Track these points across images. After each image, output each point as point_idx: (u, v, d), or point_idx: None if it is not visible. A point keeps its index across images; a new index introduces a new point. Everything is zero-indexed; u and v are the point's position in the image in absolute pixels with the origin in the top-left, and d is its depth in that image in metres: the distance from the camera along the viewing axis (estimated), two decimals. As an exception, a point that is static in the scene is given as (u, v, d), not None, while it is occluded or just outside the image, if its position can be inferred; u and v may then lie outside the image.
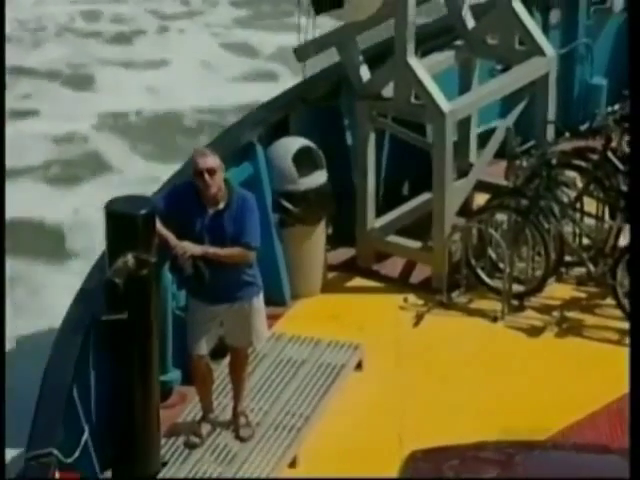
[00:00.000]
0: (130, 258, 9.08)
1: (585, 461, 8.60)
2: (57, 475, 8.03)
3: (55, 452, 8.16)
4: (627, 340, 10.68)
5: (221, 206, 9.34)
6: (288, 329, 10.82)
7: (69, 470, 8.21)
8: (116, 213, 9.26)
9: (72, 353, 9.09)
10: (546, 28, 12.46)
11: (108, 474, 9.27)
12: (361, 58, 11.39)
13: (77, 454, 8.45)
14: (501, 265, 11.21)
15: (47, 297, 14.83)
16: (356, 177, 11.44)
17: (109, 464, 9.25)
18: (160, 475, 9.45)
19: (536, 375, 10.44)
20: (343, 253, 11.63)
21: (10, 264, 14.25)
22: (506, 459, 8.49)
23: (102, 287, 9.24)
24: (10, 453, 10.85)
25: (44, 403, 8.78)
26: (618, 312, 10.92)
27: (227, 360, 9.91)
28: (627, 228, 11.05)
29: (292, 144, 11.09)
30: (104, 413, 9.21)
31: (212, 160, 9.24)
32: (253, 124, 11.19)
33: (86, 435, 8.69)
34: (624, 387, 9.99)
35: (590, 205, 11.35)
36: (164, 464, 9.53)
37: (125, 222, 9.22)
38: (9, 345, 12.77)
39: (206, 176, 9.18)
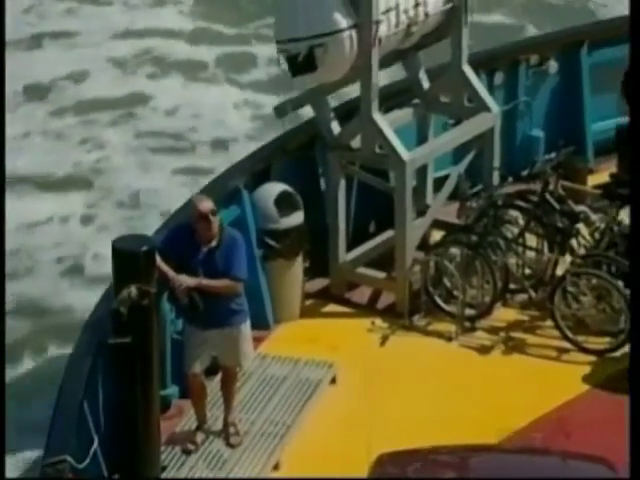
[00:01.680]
0: (133, 289, 8.99)
1: (529, 462, 8.57)
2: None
3: (68, 459, 8.10)
4: (564, 357, 10.74)
5: (214, 244, 9.38)
6: (271, 350, 10.80)
7: (80, 475, 8.10)
8: (121, 250, 9.20)
9: (83, 372, 9.06)
10: (491, 88, 12.45)
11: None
12: (332, 114, 11.36)
13: (87, 461, 8.35)
14: (455, 292, 11.18)
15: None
16: (329, 217, 11.40)
17: (115, 469, 9.09)
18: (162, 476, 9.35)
19: (486, 387, 10.39)
20: (318, 283, 11.58)
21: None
22: (461, 461, 8.51)
23: (109, 315, 9.15)
24: (27, 460, 10.81)
25: (58, 416, 8.73)
26: (556, 332, 10.90)
27: (219, 377, 9.88)
28: (562, 259, 11.05)
29: (273, 189, 11.06)
30: (111, 424, 9.09)
31: (211, 204, 9.34)
32: (239, 172, 11.17)
33: (95, 444, 8.59)
34: (561, 397, 10.22)
35: (531, 240, 11.31)
36: (164, 468, 9.49)
37: (129, 258, 9.14)
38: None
39: (210, 217, 9.25)
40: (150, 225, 13.38)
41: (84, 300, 13.01)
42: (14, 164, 16.65)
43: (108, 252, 9.13)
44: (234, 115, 18.73)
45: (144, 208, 16.08)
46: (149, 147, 17.77)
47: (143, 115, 18.79)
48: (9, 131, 16.62)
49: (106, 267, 11.04)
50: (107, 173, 17.19)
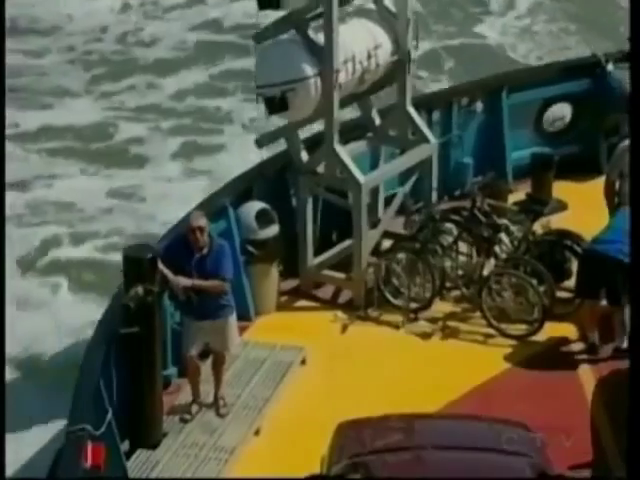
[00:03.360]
0: (139, 288, 9.09)
1: (462, 426, 8.60)
2: (89, 444, 7.85)
3: (88, 427, 8.07)
4: (489, 341, 10.73)
5: (205, 251, 9.38)
6: (252, 337, 10.76)
7: (97, 440, 8.06)
8: (130, 257, 9.33)
9: (99, 356, 9.04)
10: (430, 124, 12.44)
11: (125, 443, 9.17)
12: (301, 145, 11.34)
13: (103, 429, 8.33)
14: (401, 289, 11.18)
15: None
16: (299, 229, 11.37)
17: (125, 436, 9.15)
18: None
19: (427, 367, 10.39)
20: (291, 283, 11.53)
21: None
22: (407, 426, 8.50)
23: (120, 310, 9.21)
24: (53, 430, 10.73)
25: (79, 393, 8.69)
26: (483, 321, 10.88)
27: (210, 360, 9.84)
28: (488, 262, 11.06)
29: (254, 206, 11.04)
30: (122, 399, 9.10)
31: (202, 220, 9.37)
32: (226, 192, 11.12)
33: (109, 415, 8.57)
34: (488, 374, 10.23)
35: (463, 247, 11.31)
36: (165, 435, 9.46)
37: (136, 263, 9.23)
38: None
39: (198, 232, 9.28)
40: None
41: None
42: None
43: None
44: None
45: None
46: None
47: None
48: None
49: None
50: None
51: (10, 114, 17.31)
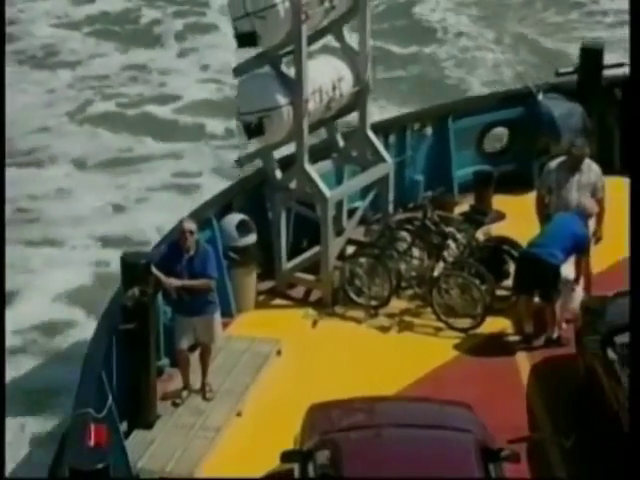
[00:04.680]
0: (136, 290, 9.06)
1: (415, 407, 8.63)
2: (92, 425, 7.78)
3: (91, 411, 8.02)
4: (439, 333, 10.66)
5: (192, 252, 9.37)
6: (234, 331, 10.68)
7: (99, 422, 7.99)
8: (127, 262, 9.30)
9: (101, 349, 8.99)
10: (387, 146, 12.37)
11: (124, 425, 9.11)
12: (275, 165, 11.27)
13: (104, 412, 8.26)
14: (363, 289, 11.12)
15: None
16: (274, 237, 11.29)
17: (124, 418, 9.10)
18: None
19: (386, 355, 10.35)
20: (267, 284, 11.45)
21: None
22: (369, 407, 8.52)
23: (119, 308, 9.16)
24: (62, 416, 10.65)
25: (83, 381, 8.64)
26: (434, 316, 10.84)
27: (198, 352, 9.79)
28: (437, 265, 11.01)
29: (235, 218, 10.97)
30: (121, 386, 9.06)
31: (193, 225, 9.43)
32: (210, 206, 11.05)
33: (110, 400, 8.49)
34: (438, 362, 10.20)
35: (416, 252, 11.27)
36: (158, 417, 9.41)
37: (132, 267, 9.20)
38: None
39: (187, 235, 9.31)
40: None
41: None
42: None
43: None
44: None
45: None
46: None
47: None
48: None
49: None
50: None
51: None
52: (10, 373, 11.39)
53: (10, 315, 12.23)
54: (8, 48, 19.42)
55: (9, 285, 11.88)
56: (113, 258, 11.97)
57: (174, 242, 9.52)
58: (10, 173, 14.49)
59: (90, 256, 13.65)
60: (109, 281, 11.66)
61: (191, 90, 18.65)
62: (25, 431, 11.21)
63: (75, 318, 12.67)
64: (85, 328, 11.80)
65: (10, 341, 11.81)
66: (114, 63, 19.86)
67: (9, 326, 11.75)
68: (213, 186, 14.03)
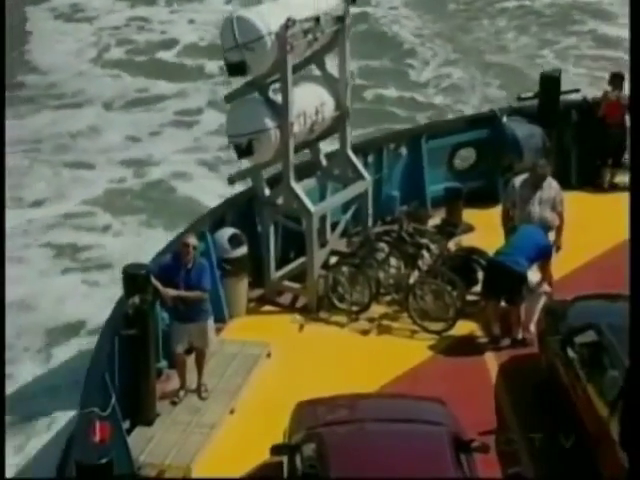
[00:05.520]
0: (136, 298, 9.03)
1: (392, 403, 8.65)
2: (97, 423, 7.73)
3: (95, 410, 7.99)
4: (415, 336, 10.65)
5: (189, 266, 9.34)
6: (227, 336, 10.64)
7: (104, 420, 7.94)
8: (128, 273, 9.24)
9: (105, 352, 8.94)
10: (366, 165, 12.36)
11: (127, 422, 9.07)
12: (264, 182, 11.26)
13: (108, 411, 8.22)
14: (345, 296, 11.11)
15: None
16: (263, 249, 11.26)
17: (127, 416, 9.04)
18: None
19: (366, 356, 10.33)
20: (257, 292, 11.42)
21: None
22: (352, 404, 8.51)
23: (121, 315, 9.11)
24: (68, 414, 10.62)
25: (88, 382, 8.61)
26: (410, 320, 10.83)
27: (193, 355, 9.75)
28: (413, 273, 11.01)
29: (227, 232, 10.93)
30: (123, 387, 9.02)
31: (194, 240, 9.45)
32: (205, 221, 11.02)
33: (113, 400, 8.45)
34: (414, 361, 10.19)
35: (393, 261, 11.28)
36: (158, 415, 9.37)
37: (133, 278, 9.17)
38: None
39: (190, 248, 9.32)
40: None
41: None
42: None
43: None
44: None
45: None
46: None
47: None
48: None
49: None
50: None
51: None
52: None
53: (41, 214, 14.79)
54: (43, 6, 23.22)
55: (50, 196, 15.31)
56: (129, 176, 16.21)
57: (175, 254, 9.49)
58: (53, 113, 17.74)
59: (112, 175, 16.47)
60: (122, 192, 15.82)
61: (187, 36, 22.03)
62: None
63: (98, 222, 15.11)
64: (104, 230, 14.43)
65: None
66: (125, 16, 23.12)
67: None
68: (210, 119, 17.41)
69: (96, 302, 12.61)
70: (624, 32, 20.42)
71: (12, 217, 13.77)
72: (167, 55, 20.91)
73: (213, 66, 19.64)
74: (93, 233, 14.79)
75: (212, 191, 14.93)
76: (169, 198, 15.87)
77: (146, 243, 13.73)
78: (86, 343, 11.95)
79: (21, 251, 13.76)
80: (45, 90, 18.56)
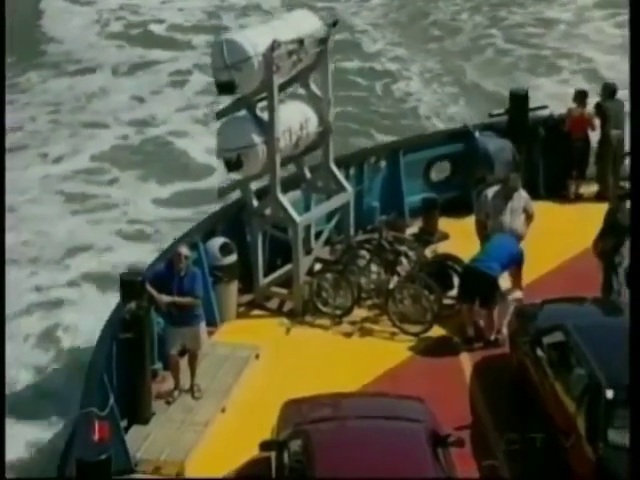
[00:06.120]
0: (133, 304, 9.01)
1: (373, 401, 8.66)
2: (96, 422, 7.75)
3: (94, 409, 7.97)
4: (395, 337, 10.64)
5: (182, 274, 9.34)
6: (218, 339, 10.59)
7: (102, 419, 7.96)
8: (125, 280, 9.21)
9: (103, 354, 8.91)
10: (347, 177, 12.35)
11: (124, 421, 9.02)
12: (252, 194, 11.24)
13: (107, 411, 8.22)
14: (329, 300, 11.09)
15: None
16: (252, 257, 11.24)
17: (124, 415, 9.00)
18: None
19: (349, 357, 10.33)
20: (247, 297, 11.38)
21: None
22: (335, 402, 8.51)
23: (118, 320, 9.09)
24: (69, 414, 10.58)
25: (88, 383, 8.59)
26: (389, 323, 10.82)
27: (187, 357, 9.72)
28: (392, 279, 10.98)
29: (218, 241, 10.90)
30: (121, 387, 8.98)
31: (187, 250, 9.46)
32: (197, 231, 10.97)
33: (111, 400, 8.45)
34: (394, 361, 10.17)
35: (374, 268, 11.26)
36: (154, 413, 9.33)
37: (130, 285, 9.14)
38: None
39: (182, 257, 9.32)
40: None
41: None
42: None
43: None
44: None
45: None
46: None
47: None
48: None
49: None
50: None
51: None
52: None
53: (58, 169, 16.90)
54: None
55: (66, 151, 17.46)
56: (132, 134, 18.16)
57: (168, 263, 9.51)
58: (69, 79, 20.24)
59: (118, 132, 18.31)
60: (126, 147, 17.75)
61: (175, 19, 23.90)
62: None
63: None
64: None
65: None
66: (119, 2, 24.92)
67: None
68: (199, 79, 19.75)
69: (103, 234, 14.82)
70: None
71: (37, 172, 16.59)
72: (158, 29, 23.10)
73: (199, 40, 22.09)
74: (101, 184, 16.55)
75: (203, 145, 16.84)
76: (165, 151, 17.66)
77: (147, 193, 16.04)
78: (88, 266, 13.78)
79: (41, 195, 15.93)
80: (64, 56, 21.16)
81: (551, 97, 17.61)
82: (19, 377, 11.79)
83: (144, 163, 17.16)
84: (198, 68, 20.28)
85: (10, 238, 12.73)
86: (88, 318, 12.13)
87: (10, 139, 16.34)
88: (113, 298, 9.64)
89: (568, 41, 22.92)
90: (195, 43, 22.29)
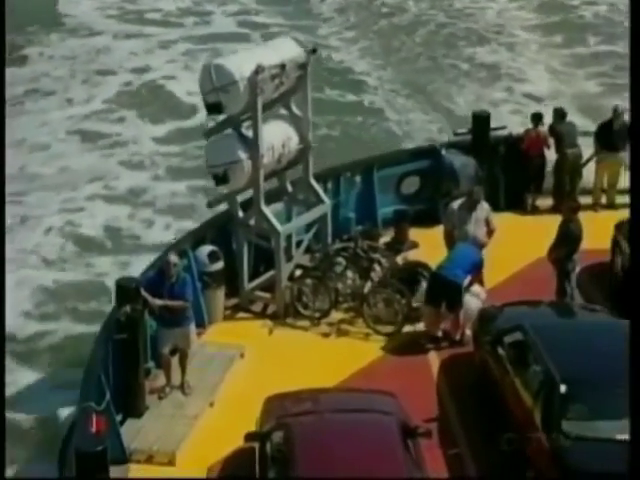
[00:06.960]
0: (127, 307, 9.00)
1: (348, 396, 8.69)
2: (93, 416, 7.73)
3: (92, 404, 7.97)
4: (369, 338, 10.60)
5: (173, 279, 9.33)
6: (207, 339, 10.55)
7: (100, 413, 7.94)
8: (120, 285, 9.23)
9: (100, 354, 8.86)
10: (325, 190, 12.29)
11: (119, 415, 9.00)
12: (238, 206, 11.21)
13: (104, 405, 8.19)
14: (309, 304, 11.08)
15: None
16: (238, 264, 11.21)
17: (119, 410, 8.98)
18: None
19: (326, 356, 10.31)
20: (233, 301, 11.32)
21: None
22: (314, 398, 8.52)
23: (114, 322, 9.06)
24: (68, 409, 10.52)
25: (86, 380, 8.54)
26: (364, 324, 10.83)
27: (177, 356, 9.69)
28: (366, 284, 10.95)
29: (206, 249, 10.86)
30: (117, 384, 8.95)
31: (175, 258, 9.45)
32: (186, 240, 10.95)
33: (108, 396, 8.43)
34: (368, 360, 10.15)
35: (350, 274, 11.22)
36: (147, 408, 9.31)
37: (124, 290, 9.12)
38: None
39: (171, 265, 9.31)
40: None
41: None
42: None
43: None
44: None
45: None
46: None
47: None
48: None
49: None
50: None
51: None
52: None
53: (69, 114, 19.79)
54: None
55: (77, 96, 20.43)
56: (136, 80, 21.02)
57: (160, 270, 9.53)
58: (82, 40, 23.57)
59: (122, 79, 21.17)
60: (130, 93, 20.47)
61: (168, 6, 26.26)
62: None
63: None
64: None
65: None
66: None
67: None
68: (185, 45, 23.08)
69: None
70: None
71: (61, 116, 19.22)
72: (154, 16, 25.46)
73: (189, 20, 25.01)
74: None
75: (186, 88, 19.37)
76: (161, 93, 20.36)
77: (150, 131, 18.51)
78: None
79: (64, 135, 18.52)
80: (77, 25, 24.56)
81: (508, 115, 18.19)
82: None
83: (141, 105, 19.79)
84: (183, 39, 23.43)
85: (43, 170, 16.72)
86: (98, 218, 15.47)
87: (39, 83, 20.25)
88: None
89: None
90: (186, 23, 25.01)
